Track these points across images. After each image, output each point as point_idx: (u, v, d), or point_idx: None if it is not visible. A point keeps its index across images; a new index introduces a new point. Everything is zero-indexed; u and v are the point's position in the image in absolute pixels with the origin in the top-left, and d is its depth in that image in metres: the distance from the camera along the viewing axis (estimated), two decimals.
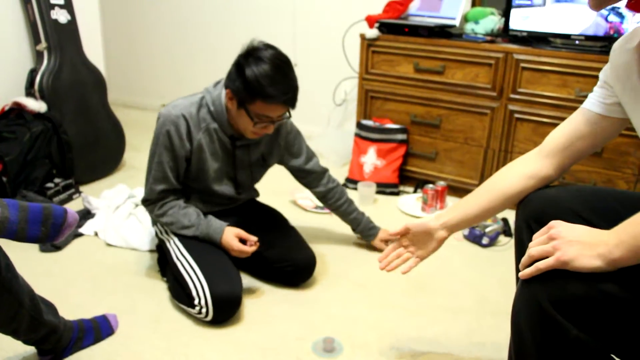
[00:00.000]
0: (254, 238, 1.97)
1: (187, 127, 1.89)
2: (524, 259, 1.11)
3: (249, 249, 1.94)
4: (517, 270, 1.47)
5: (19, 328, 1.48)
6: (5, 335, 1.50)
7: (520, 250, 1.43)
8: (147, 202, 1.99)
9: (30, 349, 1.68)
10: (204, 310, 1.81)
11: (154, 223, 2.10)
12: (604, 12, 2.46)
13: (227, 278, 1.86)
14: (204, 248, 1.95)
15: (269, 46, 1.84)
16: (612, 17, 2.45)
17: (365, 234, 2.35)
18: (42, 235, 1.32)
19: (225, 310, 1.84)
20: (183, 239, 1.97)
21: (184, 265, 1.89)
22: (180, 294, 1.90)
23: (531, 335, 1.06)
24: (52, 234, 1.34)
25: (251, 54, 1.80)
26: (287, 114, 1.91)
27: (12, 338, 1.53)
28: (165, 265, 2.07)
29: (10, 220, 1.26)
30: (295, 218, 2.58)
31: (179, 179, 1.97)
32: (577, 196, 1.31)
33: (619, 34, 2.45)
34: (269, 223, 2.18)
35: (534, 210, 1.34)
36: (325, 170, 2.26)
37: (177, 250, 1.95)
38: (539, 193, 1.35)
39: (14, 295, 1.42)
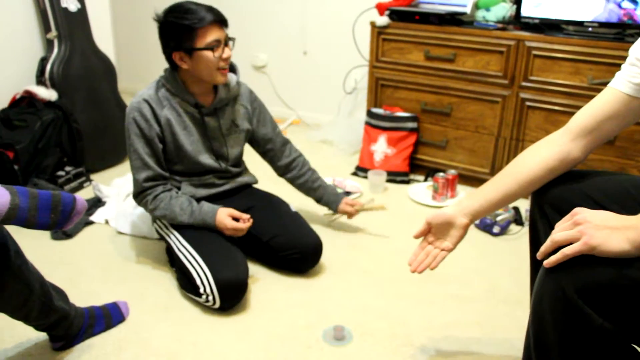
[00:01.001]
0: (246, 216, 1.98)
1: (150, 108, 1.94)
2: (546, 246, 1.08)
3: (243, 225, 1.96)
4: (531, 257, 1.46)
5: (30, 314, 1.50)
6: (17, 321, 1.51)
7: (534, 235, 1.41)
8: (137, 196, 2.00)
9: (43, 336, 1.69)
10: (210, 298, 1.82)
11: (154, 221, 2.11)
12: None
13: (231, 264, 1.87)
14: (205, 237, 1.95)
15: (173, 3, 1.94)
16: (626, 4, 2.41)
17: (331, 199, 2.33)
18: (51, 223, 1.33)
19: (231, 296, 1.85)
20: (182, 231, 1.97)
21: (186, 256, 1.90)
22: (187, 284, 1.91)
23: (554, 323, 1.05)
24: (61, 221, 1.35)
25: (165, 13, 1.91)
26: (231, 41, 1.98)
27: (24, 324, 1.54)
28: (172, 256, 2.08)
29: (21, 208, 1.27)
30: (305, 206, 2.58)
31: (160, 163, 1.98)
32: (592, 182, 1.30)
33: (632, 20, 2.42)
34: (270, 210, 2.16)
35: (549, 195, 1.33)
36: (288, 141, 2.30)
37: (178, 243, 1.96)
38: (554, 179, 1.33)
39: (24, 282, 1.43)
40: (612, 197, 1.25)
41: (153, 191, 1.97)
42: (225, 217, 1.96)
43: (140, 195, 1.98)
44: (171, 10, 1.89)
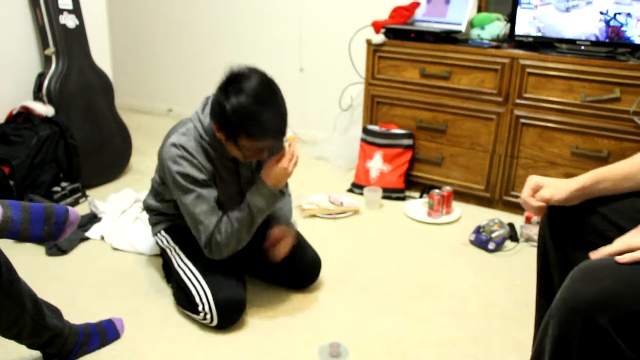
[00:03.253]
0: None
1: (196, 159, 1.79)
2: (615, 248, 1.08)
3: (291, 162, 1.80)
4: (539, 276, 1.46)
5: (21, 333, 1.48)
6: (9, 340, 1.50)
7: (543, 251, 1.42)
8: (207, 247, 1.82)
9: (36, 353, 1.68)
10: (208, 316, 1.81)
11: (155, 234, 2.09)
12: (606, 17, 2.46)
13: (230, 283, 1.86)
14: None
15: (251, 72, 1.71)
16: (614, 22, 2.45)
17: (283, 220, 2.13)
18: (44, 235, 1.33)
19: (229, 316, 1.84)
20: (184, 247, 1.95)
21: (186, 273, 1.89)
22: (184, 301, 1.90)
23: (580, 350, 1.03)
24: (54, 232, 1.35)
25: (231, 84, 1.68)
26: (281, 143, 1.79)
27: (17, 343, 1.53)
28: (170, 271, 2.07)
29: (13, 220, 1.27)
30: (301, 223, 2.58)
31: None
32: (603, 197, 1.32)
33: (619, 37, 2.45)
34: (270, 228, 2.10)
35: (560, 209, 1.35)
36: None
37: (178, 258, 1.94)
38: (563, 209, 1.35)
39: (15, 299, 1.41)
40: (622, 212, 1.27)
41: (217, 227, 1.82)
42: (270, 167, 1.79)
43: (209, 244, 1.82)
44: (238, 94, 1.66)
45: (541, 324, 1.13)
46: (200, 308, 1.82)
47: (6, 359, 1.68)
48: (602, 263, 1.08)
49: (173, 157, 1.78)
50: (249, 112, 1.65)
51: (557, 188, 1.34)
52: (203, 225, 1.80)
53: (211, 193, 1.81)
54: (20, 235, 1.30)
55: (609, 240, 1.29)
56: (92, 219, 2.58)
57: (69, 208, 1.39)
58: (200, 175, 1.78)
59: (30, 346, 1.58)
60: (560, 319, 1.06)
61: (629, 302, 0.98)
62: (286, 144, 1.80)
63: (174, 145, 1.79)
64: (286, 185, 2.04)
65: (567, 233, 1.35)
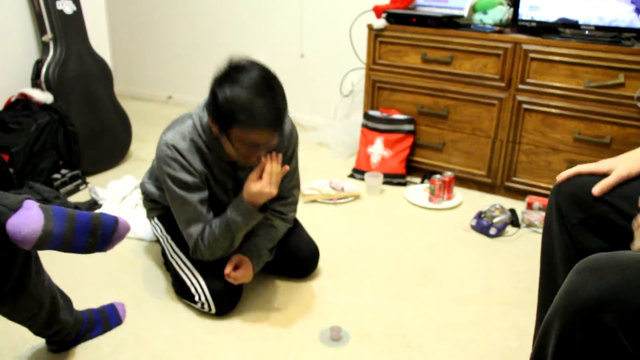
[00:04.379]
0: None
1: (187, 161, 1.73)
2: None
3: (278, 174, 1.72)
4: (543, 254, 1.46)
5: (34, 325, 1.51)
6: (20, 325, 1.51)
7: (548, 236, 1.42)
8: (193, 252, 1.81)
9: (40, 340, 1.68)
10: (205, 305, 1.82)
11: (149, 218, 2.07)
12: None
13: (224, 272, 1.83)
14: None
15: (251, 65, 1.61)
16: None
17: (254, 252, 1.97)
18: (89, 246, 1.27)
19: (226, 304, 1.85)
20: (177, 237, 1.90)
21: (179, 264, 1.88)
22: (182, 291, 1.90)
23: (584, 346, 1.02)
24: (101, 244, 1.29)
25: (227, 75, 1.60)
26: (275, 142, 1.69)
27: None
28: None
29: (54, 234, 1.20)
30: (301, 208, 2.57)
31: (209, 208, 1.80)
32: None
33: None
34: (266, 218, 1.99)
35: (569, 185, 1.35)
36: (293, 202, 2.01)
37: (171, 249, 1.92)
38: (574, 178, 1.36)
39: (36, 299, 1.42)
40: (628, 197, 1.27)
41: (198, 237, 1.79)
42: (250, 184, 1.69)
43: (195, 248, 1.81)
44: (232, 85, 1.57)
45: (545, 315, 1.12)
46: (196, 298, 1.82)
47: (9, 344, 1.69)
48: (607, 257, 1.05)
49: (164, 157, 1.73)
50: (240, 101, 1.55)
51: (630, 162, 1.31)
52: (187, 232, 1.78)
53: (200, 196, 1.76)
54: (61, 248, 1.23)
55: (611, 224, 1.28)
56: (93, 205, 2.57)
57: (119, 218, 1.32)
58: (190, 179, 1.73)
59: (37, 334, 1.59)
60: (565, 313, 1.05)
61: (635, 300, 0.97)
62: (267, 159, 1.69)
63: (167, 144, 1.73)
64: (293, 204, 1.99)
65: (573, 211, 1.35)
